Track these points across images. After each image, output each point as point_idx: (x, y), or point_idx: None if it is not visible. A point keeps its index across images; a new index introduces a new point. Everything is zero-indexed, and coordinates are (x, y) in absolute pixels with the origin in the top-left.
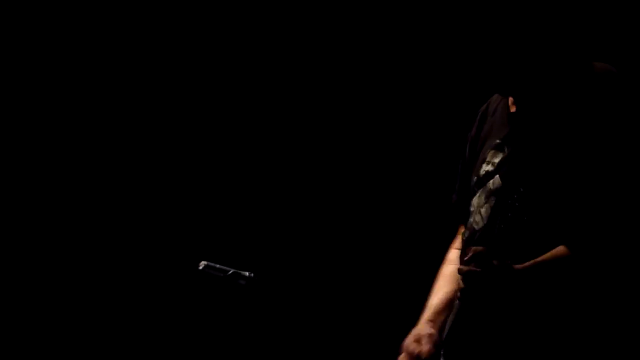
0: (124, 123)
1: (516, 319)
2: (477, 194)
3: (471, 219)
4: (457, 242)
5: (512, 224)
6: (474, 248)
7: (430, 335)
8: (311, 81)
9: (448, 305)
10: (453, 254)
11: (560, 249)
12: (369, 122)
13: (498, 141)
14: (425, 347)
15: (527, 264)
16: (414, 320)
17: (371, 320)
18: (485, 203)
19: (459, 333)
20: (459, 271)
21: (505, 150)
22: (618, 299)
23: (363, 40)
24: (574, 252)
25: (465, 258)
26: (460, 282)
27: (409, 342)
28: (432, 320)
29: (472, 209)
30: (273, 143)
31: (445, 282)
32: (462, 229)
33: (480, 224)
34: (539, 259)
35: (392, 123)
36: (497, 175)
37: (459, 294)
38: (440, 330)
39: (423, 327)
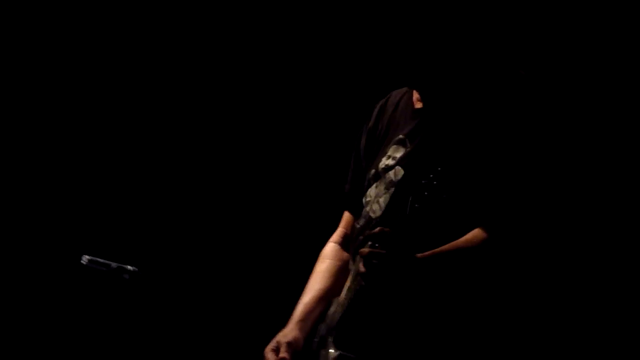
0: None
1: (411, 306)
2: (374, 185)
3: (367, 208)
4: (336, 236)
5: (429, 202)
6: (379, 228)
7: (290, 342)
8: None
9: (320, 302)
10: (328, 248)
11: (462, 239)
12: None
13: (401, 136)
14: (282, 355)
15: (428, 253)
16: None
17: (247, 318)
18: (385, 193)
19: (350, 319)
20: (361, 253)
21: (408, 145)
22: (514, 290)
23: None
24: (477, 241)
25: (368, 234)
26: (360, 264)
27: (267, 350)
28: (302, 320)
29: (367, 199)
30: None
31: (319, 279)
32: (345, 221)
33: (378, 212)
34: (440, 248)
35: (284, 114)
36: (398, 166)
37: (354, 276)
38: (313, 328)
39: (288, 331)
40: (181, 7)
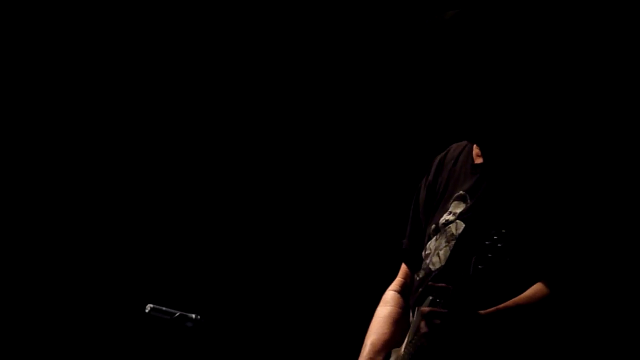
0: None
1: None
2: (435, 238)
3: (427, 261)
4: (395, 284)
5: (492, 264)
6: (442, 283)
7: None
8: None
9: (386, 346)
10: (389, 295)
11: (524, 295)
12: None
13: (462, 192)
14: None
15: (491, 309)
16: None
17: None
18: (445, 246)
19: None
20: (422, 312)
21: (469, 201)
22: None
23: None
24: (539, 296)
25: (429, 285)
26: (422, 323)
27: None
28: (371, 358)
29: (427, 252)
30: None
31: (382, 323)
32: (403, 271)
33: (438, 265)
34: (503, 305)
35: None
36: (459, 220)
37: (414, 331)
38: None
39: None
40: (178, 7)
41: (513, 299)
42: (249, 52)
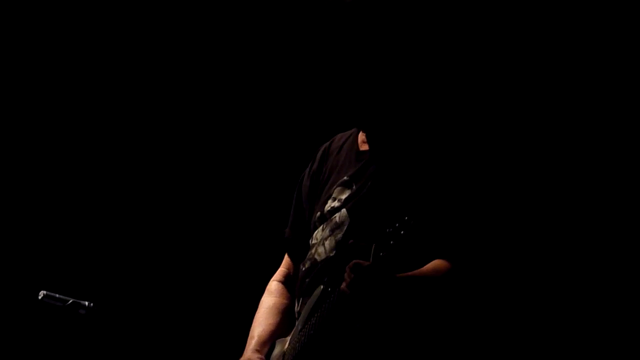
0: None
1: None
2: (320, 228)
3: (312, 251)
4: (279, 275)
5: (394, 251)
6: (354, 261)
7: None
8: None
9: (271, 337)
10: (273, 285)
11: (430, 266)
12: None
13: (346, 178)
14: None
15: (405, 274)
16: (236, 349)
17: (201, 347)
18: (330, 236)
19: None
20: (345, 274)
21: (353, 187)
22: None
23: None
24: (443, 269)
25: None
26: (345, 274)
27: None
28: (258, 350)
29: (313, 241)
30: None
31: (267, 314)
32: (286, 262)
33: (323, 256)
34: (415, 272)
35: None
36: (344, 209)
37: (303, 323)
38: (266, 358)
39: (250, 356)
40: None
41: (419, 269)
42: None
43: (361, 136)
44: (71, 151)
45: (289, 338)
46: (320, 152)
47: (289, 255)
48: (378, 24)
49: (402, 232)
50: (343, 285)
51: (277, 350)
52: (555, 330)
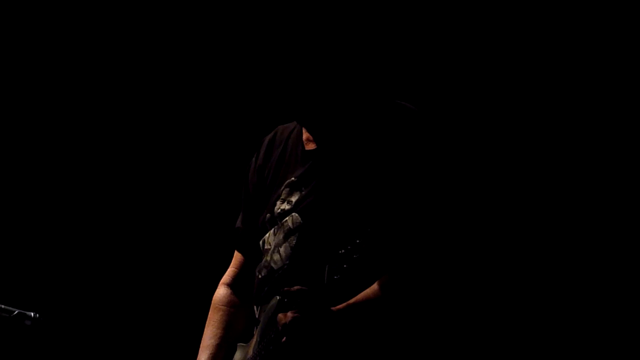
0: None
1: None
2: (272, 231)
3: (267, 258)
4: (228, 276)
5: (348, 274)
6: (295, 287)
7: None
8: None
9: (221, 351)
10: (221, 295)
11: (371, 289)
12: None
13: (294, 179)
14: None
15: (341, 305)
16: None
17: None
18: (284, 242)
19: None
20: (279, 319)
21: (303, 190)
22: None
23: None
24: (386, 289)
25: (285, 290)
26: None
27: None
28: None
29: (266, 247)
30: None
31: (215, 329)
32: (237, 261)
33: (280, 264)
34: (352, 300)
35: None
36: (296, 213)
37: (263, 333)
38: None
39: None
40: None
41: (360, 294)
42: None
43: (305, 133)
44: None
45: (250, 346)
46: (264, 145)
47: (241, 251)
48: (314, 14)
49: (354, 256)
50: (280, 334)
51: (238, 356)
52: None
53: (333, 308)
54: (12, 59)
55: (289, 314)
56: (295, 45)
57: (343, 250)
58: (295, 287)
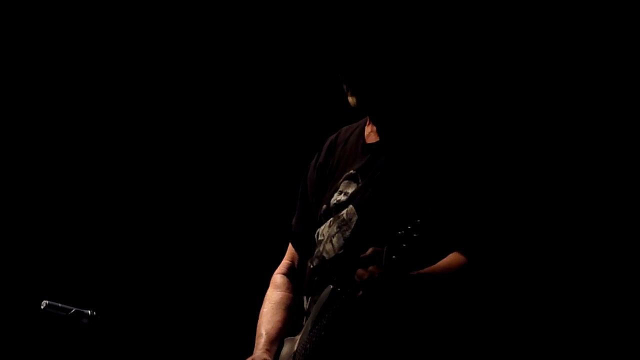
0: None
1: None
2: (327, 223)
3: (320, 248)
4: (283, 267)
5: (407, 254)
6: (371, 249)
7: None
8: None
9: (279, 334)
10: (278, 279)
11: (444, 261)
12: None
13: (352, 171)
14: None
15: (418, 272)
16: (246, 346)
17: (207, 350)
18: (337, 232)
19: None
20: (358, 274)
21: (360, 181)
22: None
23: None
24: (457, 264)
25: (363, 255)
26: (359, 272)
27: None
28: (268, 350)
29: (320, 238)
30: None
31: (275, 310)
32: (290, 253)
33: (332, 254)
34: (427, 269)
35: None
36: (351, 206)
37: (312, 323)
38: (275, 357)
39: (260, 355)
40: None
41: (433, 266)
42: None
43: (368, 129)
44: (70, 157)
45: (298, 337)
46: (326, 145)
47: (295, 247)
48: (389, 15)
49: (414, 235)
50: (356, 288)
51: (286, 350)
52: (564, 326)
53: (412, 272)
54: (12, 59)
55: (371, 268)
56: (377, 39)
57: (402, 231)
58: (370, 250)
